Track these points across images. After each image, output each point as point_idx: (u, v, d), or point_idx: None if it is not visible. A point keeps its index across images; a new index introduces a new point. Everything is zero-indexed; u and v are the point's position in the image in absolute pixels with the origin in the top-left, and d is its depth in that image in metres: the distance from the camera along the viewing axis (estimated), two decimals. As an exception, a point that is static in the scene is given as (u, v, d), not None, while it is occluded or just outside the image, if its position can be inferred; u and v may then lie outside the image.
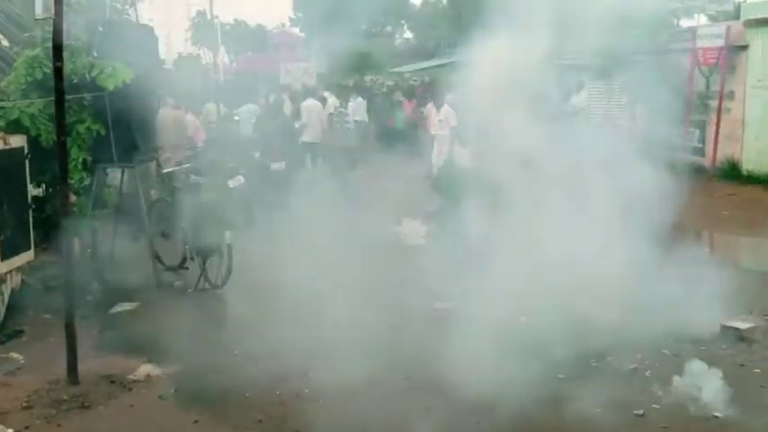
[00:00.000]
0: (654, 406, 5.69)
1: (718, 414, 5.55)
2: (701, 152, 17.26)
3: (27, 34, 9.44)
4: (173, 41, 52.99)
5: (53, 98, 6.28)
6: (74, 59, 8.39)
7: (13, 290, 7.57)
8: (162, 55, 13.93)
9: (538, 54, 7.67)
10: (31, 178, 7.92)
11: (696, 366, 6.11)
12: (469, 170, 12.99)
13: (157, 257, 8.98)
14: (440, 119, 14.27)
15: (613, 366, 6.39)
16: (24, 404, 5.75)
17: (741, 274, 9.52)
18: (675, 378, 6.02)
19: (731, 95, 16.38)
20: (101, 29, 8.78)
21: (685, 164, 16.58)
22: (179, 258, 9.00)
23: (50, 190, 8.61)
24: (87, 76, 8.42)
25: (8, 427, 5.38)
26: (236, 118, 17.55)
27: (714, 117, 16.59)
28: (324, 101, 17.70)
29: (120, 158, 8.73)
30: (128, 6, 13.84)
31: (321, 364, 6.07)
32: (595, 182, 7.46)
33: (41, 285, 8.09)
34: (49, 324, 7.42)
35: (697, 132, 17.49)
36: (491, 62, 7.66)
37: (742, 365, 6.50)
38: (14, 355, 6.80)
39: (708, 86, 16.94)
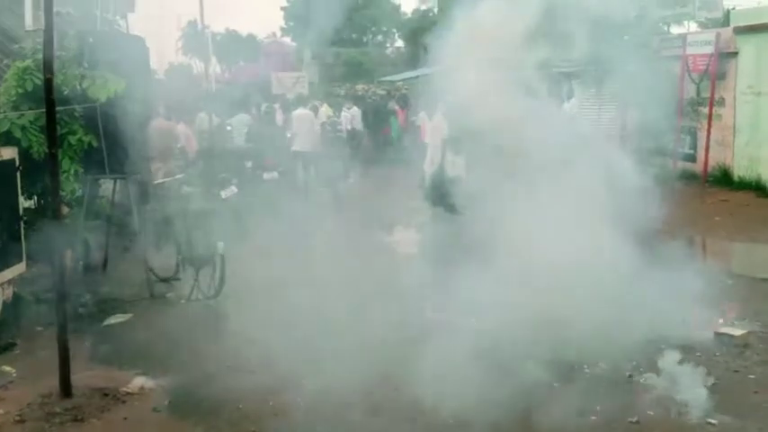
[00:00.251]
0: (649, 413, 5.68)
1: (713, 421, 5.55)
2: (693, 158, 17.32)
3: (17, 46, 9.43)
4: (164, 52, 52.89)
5: (44, 110, 6.26)
6: (64, 71, 8.38)
7: (4, 302, 7.53)
8: (153, 65, 13.92)
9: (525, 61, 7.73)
10: (22, 190, 7.89)
11: (683, 370, 6.15)
12: (461, 178, 13.04)
13: (150, 269, 8.96)
14: (432, 127, 14.24)
15: (607, 374, 6.38)
16: (17, 418, 5.71)
17: (734, 280, 9.55)
18: (667, 384, 6.03)
19: (722, 102, 16.45)
20: (91, 40, 8.77)
21: (677, 170, 16.69)
22: (172, 269, 8.98)
23: (42, 202, 8.58)
24: (78, 87, 8.41)
25: (1, 441, 5.35)
26: (229, 128, 17.54)
27: (705, 123, 16.65)
28: (316, 110, 17.71)
29: (111, 169, 8.71)
30: (118, 17, 13.85)
31: (314, 375, 6.05)
32: (587, 189, 7.47)
33: (33, 298, 8.06)
34: (41, 337, 7.39)
35: (688, 139, 17.56)
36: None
37: (736, 371, 6.51)
38: (6, 368, 6.76)
39: (698, 93, 17.01)
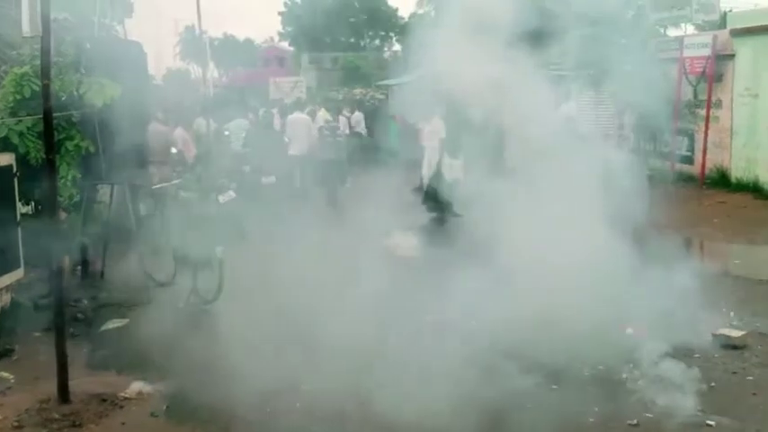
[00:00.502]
0: (647, 415, 5.68)
1: (711, 422, 5.56)
2: (690, 160, 17.35)
3: (15, 52, 9.42)
4: (162, 57, 52.96)
5: (41, 116, 6.26)
6: (62, 77, 8.38)
7: (2, 308, 7.53)
8: (151, 71, 13.92)
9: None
10: (20, 196, 7.89)
11: (681, 372, 6.16)
12: (458, 181, 13.06)
13: (148, 273, 8.94)
14: (429, 130, 14.27)
15: (606, 376, 6.38)
16: (15, 424, 5.71)
17: (732, 281, 9.56)
18: (666, 386, 6.04)
19: (719, 104, 16.48)
20: (89, 46, 8.77)
21: (675, 172, 16.72)
22: (170, 274, 8.96)
23: (40, 207, 8.58)
24: (76, 93, 8.41)
25: (-1, 447, 5.34)
26: (226, 133, 17.53)
27: (702, 126, 16.68)
28: (314, 114, 17.70)
29: (109, 175, 8.71)
30: (116, 23, 13.85)
31: (312, 380, 6.04)
32: (584, 192, 7.47)
33: (31, 303, 8.05)
34: (39, 342, 7.38)
35: (686, 141, 17.59)
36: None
37: (734, 373, 6.52)
38: (4, 374, 6.74)
39: (695, 95, 17.05)
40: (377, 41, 55.68)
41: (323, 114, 18.03)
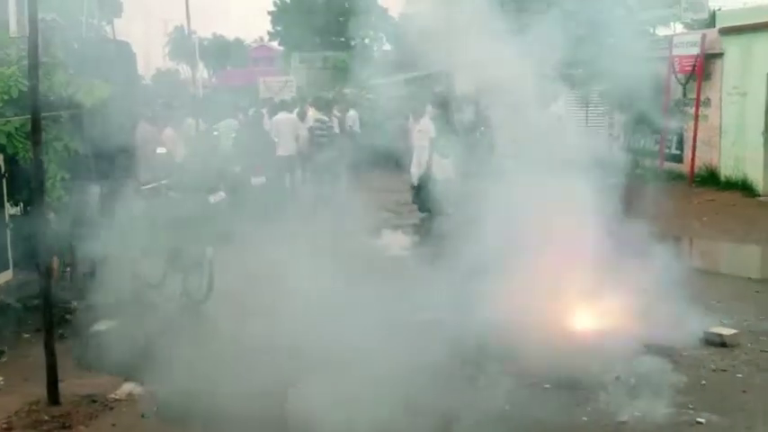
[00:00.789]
0: (637, 414, 5.69)
1: (701, 420, 5.58)
2: (680, 159, 17.41)
3: (2, 52, 9.36)
4: (151, 57, 52.82)
5: (30, 116, 6.23)
6: (50, 77, 8.33)
7: (-9, 310, 7.50)
8: (140, 71, 13.89)
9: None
10: (8, 197, 7.85)
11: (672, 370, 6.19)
12: (448, 181, 13.07)
13: (138, 274, 8.91)
14: (419, 129, 14.24)
15: (597, 375, 6.38)
16: (4, 426, 5.68)
17: (723, 279, 9.61)
18: (657, 384, 6.06)
19: (708, 102, 16.54)
20: (77, 46, 8.74)
21: (664, 171, 16.77)
22: (160, 275, 8.93)
23: (28, 208, 8.53)
24: (64, 93, 8.37)
25: (-12, 449, 5.31)
26: (216, 133, 17.47)
27: (691, 124, 16.74)
28: (303, 115, 17.65)
29: (98, 175, 8.67)
30: (105, 23, 13.81)
31: (303, 380, 6.03)
32: (573, 189, 7.48)
33: (21, 305, 8.01)
34: (28, 344, 7.35)
35: (675, 139, 17.65)
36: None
37: (724, 371, 6.54)
38: (-7, 376, 6.73)
39: (684, 94, 17.11)
40: (366, 41, 55.61)
41: (313, 114, 17.97)
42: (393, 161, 17.30)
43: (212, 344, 6.97)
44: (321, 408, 5.45)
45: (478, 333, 6.82)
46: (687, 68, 16.73)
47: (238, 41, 68.67)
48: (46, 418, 5.78)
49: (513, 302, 6.91)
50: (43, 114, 6.55)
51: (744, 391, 6.13)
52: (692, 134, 16.70)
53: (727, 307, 8.15)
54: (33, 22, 5.91)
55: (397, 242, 11.80)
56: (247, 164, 13.75)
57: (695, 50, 16.39)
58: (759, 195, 14.84)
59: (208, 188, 9.87)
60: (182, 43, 54.20)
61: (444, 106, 15.09)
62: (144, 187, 10.79)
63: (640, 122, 17.46)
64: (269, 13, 57.29)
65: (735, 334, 7.20)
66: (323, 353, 6.29)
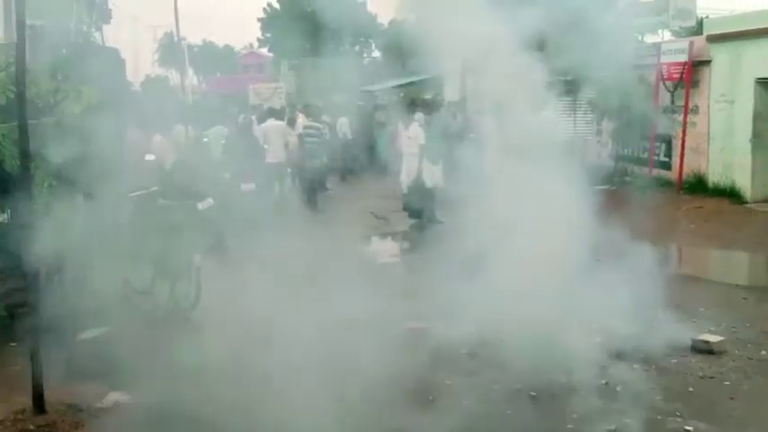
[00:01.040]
0: (625, 421, 5.70)
1: (689, 427, 5.59)
2: (668, 166, 17.47)
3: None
4: (140, 64, 52.68)
5: (17, 123, 6.20)
6: (38, 84, 8.29)
7: (-23, 318, 7.44)
8: (129, 77, 13.85)
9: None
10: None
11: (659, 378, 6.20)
12: (438, 188, 13.09)
13: (126, 281, 8.87)
14: (408, 136, 14.26)
15: (585, 382, 6.39)
16: (-11, 435, 5.64)
17: (710, 286, 9.64)
18: (644, 391, 6.07)
19: (696, 109, 16.62)
20: (65, 52, 8.70)
21: (652, 178, 16.83)
22: (148, 282, 8.89)
23: (15, 215, 8.46)
24: (52, 100, 8.32)
25: (-28, 459, 5.27)
26: (205, 140, 17.44)
27: (679, 131, 16.81)
28: (293, 122, 17.66)
29: (87, 182, 8.61)
30: (93, 29, 13.78)
31: (291, 389, 6.00)
32: (561, 196, 7.51)
33: (6, 312, 7.95)
34: (14, 352, 7.30)
35: (663, 146, 17.72)
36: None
37: (712, 378, 6.55)
38: (-22, 385, 6.67)
39: (673, 101, 17.19)
40: (356, 48, 55.65)
41: (302, 121, 17.98)
42: (383, 167, 17.33)
43: (199, 351, 6.93)
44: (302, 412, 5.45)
45: (464, 341, 6.83)
46: (675, 76, 16.81)
47: (228, 48, 68.68)
48: (32, 427, 5.74)
49: (499, 310, 6.93)
50: (31, 121, 6.50)
51: (731, 399, 6.15)
52: (680, 141, 16.78)
53: (714, 314, 8.17)
54: (21, 28, 5.88)
55: (387, 249, 11.78)
56: (237, 170, 13.72)
57: (683, 58, 16.48)
58: (747, 202, 14.91)
59: (197, 195, 9.85)
60: (171, 49, 54.11)
61: (433, 113, 15.15)
62: (132, 194, 10.76)
63: (629, 130, 17.53)
64: (259, 19, 57.31)
65: (722, 341, 7.22)
66: (309, 360, 6.28)
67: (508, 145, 8.03)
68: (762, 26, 14.58)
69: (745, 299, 9.01)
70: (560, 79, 15.60)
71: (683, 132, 16.66)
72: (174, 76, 45.87)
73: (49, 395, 6.05)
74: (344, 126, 22.42)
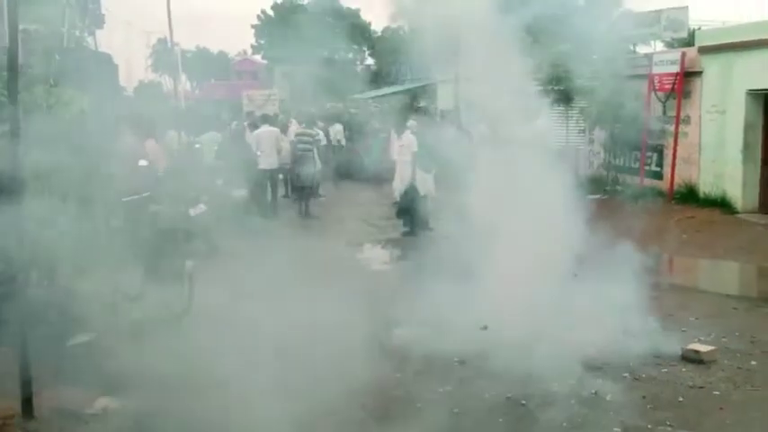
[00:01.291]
0: (615, 430, 5.70)
1: (679, 437, 5.60)
2: (659, 176, 17.54)
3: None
4: (133, 69, 52.59)
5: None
6: (31, 88, 8.29)
7: (-35, 323, 7.39)
8: (122, 82, 13.84)
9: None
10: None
11: (649, 387, 6.19)
12: (430, 195, 13.11)
13: (117, 287, 8.83)
14: (401, 144, 14.29)
15: (575, 391, 6.39)
16: (-23, 441, 5.61)
17: (701, 296, 9.66)
18: (635, 400, 6.07)
19: (687, 120, 16.70)
20: (58, 57, 8.71)
21: (644, 188, 16.88)
22: (139, 288, 8.86)
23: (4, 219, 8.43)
24: (44, 104, 8.32)
25: (-40, 464, 5.24)
26: (198, 146, 17.42)
27: (671, 141, 16.89)
28: (286, 128, 17.68)
29: (78, 187, 8.60)
30: (86, 34, 13.76)
31: (281, 395, 5.99)
32: (553, 205, 7.53)
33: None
34: (2, 357, 7.25)
35: (655, 156, 17.79)
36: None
37: (701, 388, 6.56)
38: (-33, 390, 6.62)
39: (664, 111, 17.27)
40: (350, 55, 55.75)
41: (294, 128, 18.00)
42: (376, 174, 17.36)
43: (190, 357, 6.91)
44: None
45: (455, 349, 6.83)
46: (667, 86, 16.89)
47: (222, 54, 68.67)
48: (20, 432, 5.71)
49: (491, 318, 6.94)
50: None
51: (721, 408, 6.15)
52: (671, 151, 16.85)
53: (704, 324, 8.18)
54: (14, 32, 5.87)
55: (379, 257, 11.80)
56: (229, 177, 13.72)
57: (675, 69, 16.56)
58: (738, 212, 14.97)
59: (189, 201, 9.84)
60: (164, 55, 54.07)
61: (427, 121, 15.17)
62: (125, 199, 10.73)
63: (620, 139, 17.60)
64: (252, 26, 57.39)
65: (712, 351, 7.23)
66: (297, 368, 6.27)
67: (500, 153, 8.04)
68: (753, 38, 14.68)
69: (735, 309, 9.02)
70: (553, 88, 15.69)
71: (675, 142, 16.73)
72: (167, 82, 45.82)
73: (39, 400, 6.02)
74: (338, 133, 22.50)
